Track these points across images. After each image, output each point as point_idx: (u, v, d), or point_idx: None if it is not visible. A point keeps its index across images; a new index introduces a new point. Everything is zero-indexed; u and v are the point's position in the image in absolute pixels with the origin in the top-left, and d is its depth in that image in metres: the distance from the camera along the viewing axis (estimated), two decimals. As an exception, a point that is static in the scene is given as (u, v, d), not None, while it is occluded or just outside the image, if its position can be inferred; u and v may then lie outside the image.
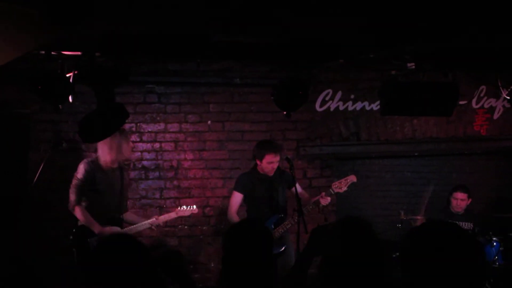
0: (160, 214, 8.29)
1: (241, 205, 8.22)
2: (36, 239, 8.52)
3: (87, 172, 7.69)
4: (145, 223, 7.79)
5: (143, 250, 3.60)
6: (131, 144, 7.91)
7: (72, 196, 7.66)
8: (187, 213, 8.03)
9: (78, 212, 7.62)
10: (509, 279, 8.53)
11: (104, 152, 7.73)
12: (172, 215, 7.95)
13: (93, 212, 7.68)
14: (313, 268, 4.23)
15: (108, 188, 7.77)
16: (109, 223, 7.68)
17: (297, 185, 7.96)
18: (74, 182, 7.68)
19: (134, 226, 7.78)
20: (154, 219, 7.85)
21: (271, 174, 8.05)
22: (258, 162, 8.06)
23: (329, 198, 7.97)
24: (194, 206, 8.10)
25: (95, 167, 7.71)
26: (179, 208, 8.02)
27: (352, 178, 8.18)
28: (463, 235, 2.98)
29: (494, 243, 8.65)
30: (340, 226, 4.02)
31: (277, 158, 7.98)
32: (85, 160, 7.82)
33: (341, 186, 8.08)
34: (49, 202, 8.58)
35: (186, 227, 9.26)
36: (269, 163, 7.96)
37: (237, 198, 8.17)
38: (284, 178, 8.15)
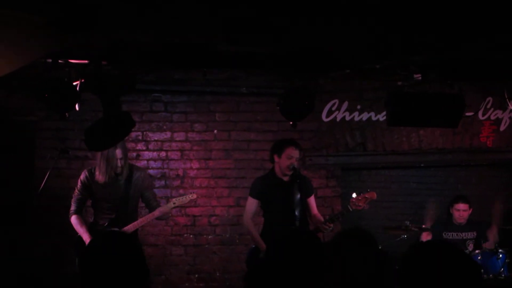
0: (167, 223, 8.35)
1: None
2: (42, 247, 8.55)
3: (82, 183, 7.69)
4: (142, 220, 7.70)
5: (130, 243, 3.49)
6: (117, 158, 7.64)
7: (72, 206, 7.69)
8: (185, 201, 7.86)
9: (73, 221, 7.62)
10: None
11: (97, 166, 7.69)
12: (170, 205, 7.73)
13: (97, 218, 7.74)
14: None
15: (107, 197, 7.70)
16: (109, 226, 7.65)
17: (313, 200, 7.99)
18: (74, 192, 7.73)
19: (131, 224, 7.65)
20: (150, 215, 7.74)
21: (289, 172, 7.79)
22: (277, 159, 7.82)
23: (331, 225, 7.77)
24: (193, 193, 7.98)
25: (92, 176, 7.68)
26: (176, 198, 7.86)
27: (372, 196, 7.79)
28: (460, 257, 2.98)
29: (500, 255, 8.61)
30: (341, 237, 4.02)
31: (297, 153, 7.76)
32: (84, 170, 7.81)
33: (360, 204, 7.71)
34: (55, 210, 8.59)
35: (191, 236, 9.24)
36: (289, 158, 7.71)
37: (251, 203, 7.98)
38: (304, 185, 7.85)
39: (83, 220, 7.67)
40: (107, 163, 7.55)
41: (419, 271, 2.95)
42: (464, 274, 2.90)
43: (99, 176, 7.60)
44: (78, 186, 7.72)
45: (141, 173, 7.92)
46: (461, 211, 9.35)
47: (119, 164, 7.59)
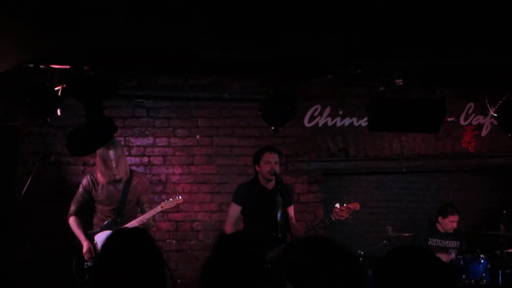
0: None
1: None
2: (23, 252, 8.50)
3: (84, 187, 7.93)
4: (132, 222, 7.74)
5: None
6: (111, 159, 7.75)
7: (71, 206, 7.91)
8: (172, 205, 7.96)
9: (70, 223, 7.83)
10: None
11: (97, 168, 7.89)
12: (157, 209, 7.91)
13: (97, 220, 7.94)
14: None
15: (107, 199, 7.87)
16: (105, 228, 7.77)
17: (292, 211, 8.00)
18: (76, 194, 7.95)
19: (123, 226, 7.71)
20: (141, 217, 7.87)
21: (271, 177, 7.77)
22: (257, 168, 7.88)
23: None
24: (179, 197, 8.08)
25: (94, 180, 7.90)
26: (164, 202, 7.96)
27: (355, 206, 7.83)
28: (433, 263, 2.98)
29: (482, 261, 8.65)
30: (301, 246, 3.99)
31: (274, 156, 7.80)
32: (87, 174, 8.06)
33: (343, 214, 7.72)
34: (37, 215, 8.56)
35: (174, 241, 9.22)
36: (267, 163, 7.74)
37: (233, 209, 7.98)
38: (286, 193, 7.79)
39: (79, 223, 7.88)
40: (104, 163, 7.76)
41: (392, 276, 2.95)
42: (437, 279, 2.91)
43: (100, 178, 7.85)
44: (80, 189, 7.97)
45: (140, 178, 8.12)
46: (454, 222, 9.42)
47: (113, 165, 7.75)
